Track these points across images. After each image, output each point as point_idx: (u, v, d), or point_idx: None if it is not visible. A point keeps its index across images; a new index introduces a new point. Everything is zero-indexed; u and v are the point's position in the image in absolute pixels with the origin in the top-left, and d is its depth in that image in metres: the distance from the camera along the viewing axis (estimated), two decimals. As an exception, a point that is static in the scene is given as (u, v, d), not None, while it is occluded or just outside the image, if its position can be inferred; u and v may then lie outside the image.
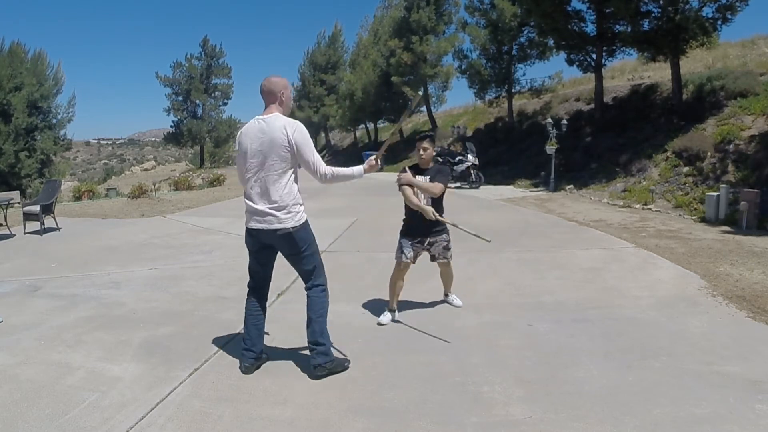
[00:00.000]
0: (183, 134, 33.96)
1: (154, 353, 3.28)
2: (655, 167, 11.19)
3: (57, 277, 5.22)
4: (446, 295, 4.28)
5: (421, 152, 3.76)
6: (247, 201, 2.92)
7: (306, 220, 2.92)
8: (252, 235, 2.95)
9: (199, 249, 6.48)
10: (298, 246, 2.89)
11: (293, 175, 2.87)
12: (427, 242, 3.82)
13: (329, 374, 2.94)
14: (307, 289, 3.01)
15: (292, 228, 2.83)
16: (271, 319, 3.75)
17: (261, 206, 2.84)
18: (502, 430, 2.43)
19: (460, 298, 4.22)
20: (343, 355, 3.16)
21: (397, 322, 3.82)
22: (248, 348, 3.03)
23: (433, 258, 3.92)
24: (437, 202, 3.74)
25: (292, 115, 2.96)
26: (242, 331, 3.59)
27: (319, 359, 2.93)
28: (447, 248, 3.89)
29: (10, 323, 3.82)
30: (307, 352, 3.03)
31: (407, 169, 3.75)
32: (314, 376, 2.92)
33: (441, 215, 3.72)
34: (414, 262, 3.84)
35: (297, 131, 2.78)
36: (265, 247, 2.98)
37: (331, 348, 3.02)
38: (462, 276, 4.41)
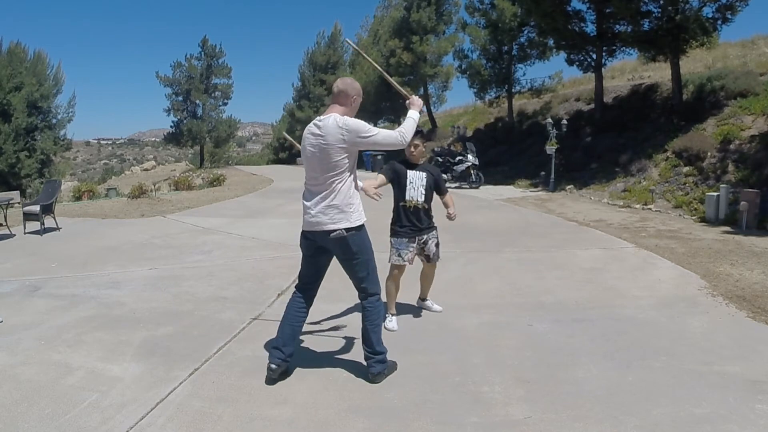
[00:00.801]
0: (183, 134, 33.90)
1: (154, 353, 3.28)
2: (655, 167, 11.19)
3: (57, 277, 5.21)
4: (423, 300, 4.12)
5: (412, 149, 3.77)
6: (303, 201, 2.86)
7: (362, 224, 2.81)
8: (307, 238, 2.89)
9: (199, 249, 6.48)
10: (352, 249, 2.78)
11: (348, 175, 2.78)
12: (420, 240, 3.76)
13: (386, 378, 2.94)
14: (361, 299, 2.93)
15: (346, 230, 2.74)
16: (270, 318, 3.76)
17: (314, 207, 2.77)
18: (502, 430, 2.43)
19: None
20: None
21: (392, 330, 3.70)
22: (277, 347, 2.89)
23: (428, 259, 3.86)
24: (428, 202, 3.77)
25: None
26: (243, 331, 3.60)
27: (377, 368, 2.90)
28: (438, 245, 3.88)
29: (10, 323, 3.82)
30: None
31: (395, 163, 3.79)
32: (373, 383, 2.89)
33: (431, 215, 3.84)
34: (411, 263, 3.79)
35: (348, 127, 2.69)
36: (319, 251, 2.91)
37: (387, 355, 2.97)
38: (462, 276, 4.41)
